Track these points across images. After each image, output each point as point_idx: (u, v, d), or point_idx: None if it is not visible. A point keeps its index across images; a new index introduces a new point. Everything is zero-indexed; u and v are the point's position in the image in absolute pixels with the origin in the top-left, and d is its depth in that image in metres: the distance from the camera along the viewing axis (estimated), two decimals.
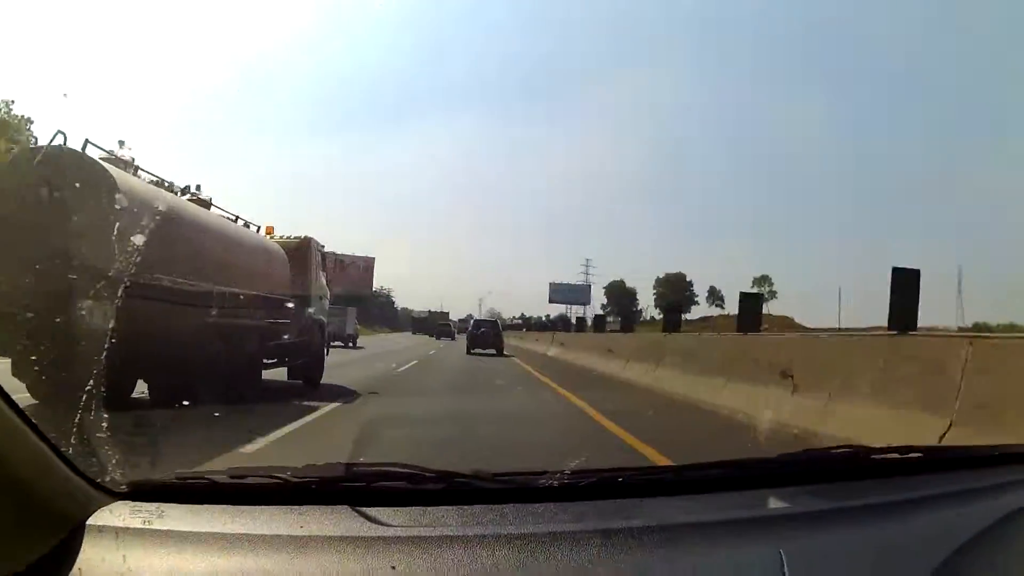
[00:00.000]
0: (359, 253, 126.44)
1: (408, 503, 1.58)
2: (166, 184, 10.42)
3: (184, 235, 8.98)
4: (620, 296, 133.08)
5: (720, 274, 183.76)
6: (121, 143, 9.74)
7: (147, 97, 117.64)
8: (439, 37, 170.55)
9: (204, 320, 8.80)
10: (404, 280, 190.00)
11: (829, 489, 1.85)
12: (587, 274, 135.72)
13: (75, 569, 1.30)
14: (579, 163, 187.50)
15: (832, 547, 1.53)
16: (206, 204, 11.10)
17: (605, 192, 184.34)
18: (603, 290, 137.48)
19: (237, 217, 12.17)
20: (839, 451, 2.06)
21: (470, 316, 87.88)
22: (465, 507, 1.58)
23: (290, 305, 12.23)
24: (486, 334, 32.88)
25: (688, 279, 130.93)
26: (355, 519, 1.49)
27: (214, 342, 9.22)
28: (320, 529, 1.44)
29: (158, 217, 7.79)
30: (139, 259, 4.42)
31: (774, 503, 1.74)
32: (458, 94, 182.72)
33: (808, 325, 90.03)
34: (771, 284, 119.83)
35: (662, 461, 6.50)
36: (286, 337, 11.96)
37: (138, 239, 5.23)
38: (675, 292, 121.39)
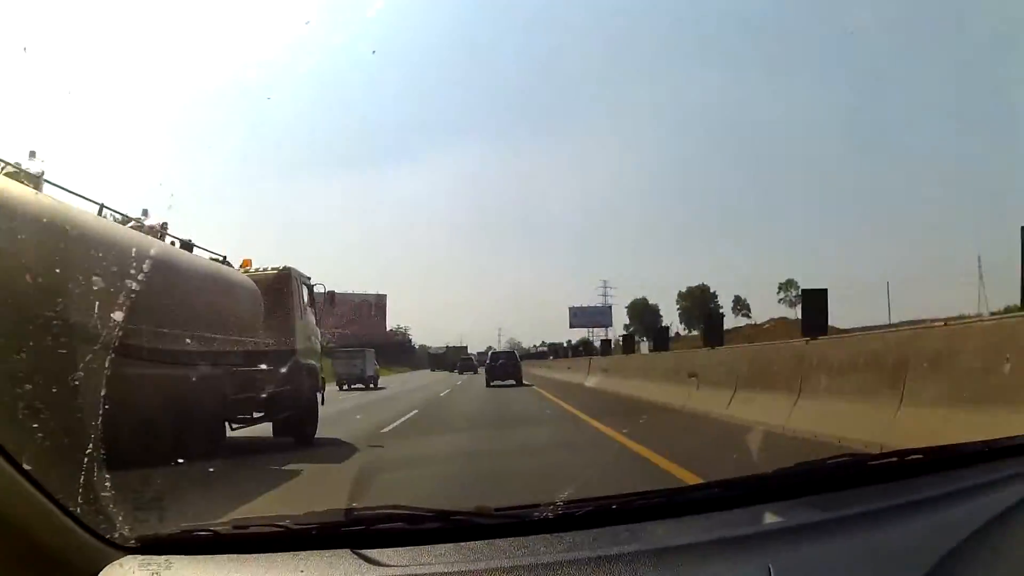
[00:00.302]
0: (372, 291, 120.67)
1: (408, 543, 1.61)
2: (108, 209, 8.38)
3: (84, 255, 6.09)
4: (644, 314, 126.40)
5: (738, 283, 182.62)
6: (32, 153, 7.41)
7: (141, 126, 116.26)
8: (441, 70, 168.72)
9: (131, 371, 6.46)
10: (421, 318, 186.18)
11: (825, 500, 1.85)
12: (605, 296, 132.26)
13: None
14: (589, 183, 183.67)
15: (823, 557, 1.54)
16: (156, 232, 9.07)
17: (617, 209, 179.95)
18: (625, 309, 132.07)
19: (191, 245, 10.27)
20: (835, 460, 2.06)
21: (490, 348, 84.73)
22: (463, 544, 1.61)
23: (265, 349, 10.47)
24: (504, 365, 33.14)
25: (712, 290, 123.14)
26: (355, 562, 1.52)
27: (147, 398, 6.94)
28: (321, 573, 1.48)
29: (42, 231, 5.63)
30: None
31: (768, 518, 1.75)
32: (464, 123, 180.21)
33: (844, 325, 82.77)
34: (796, 288, 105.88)
35: None
36: (264, 387, 10.04)
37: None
38: (699, 305, 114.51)
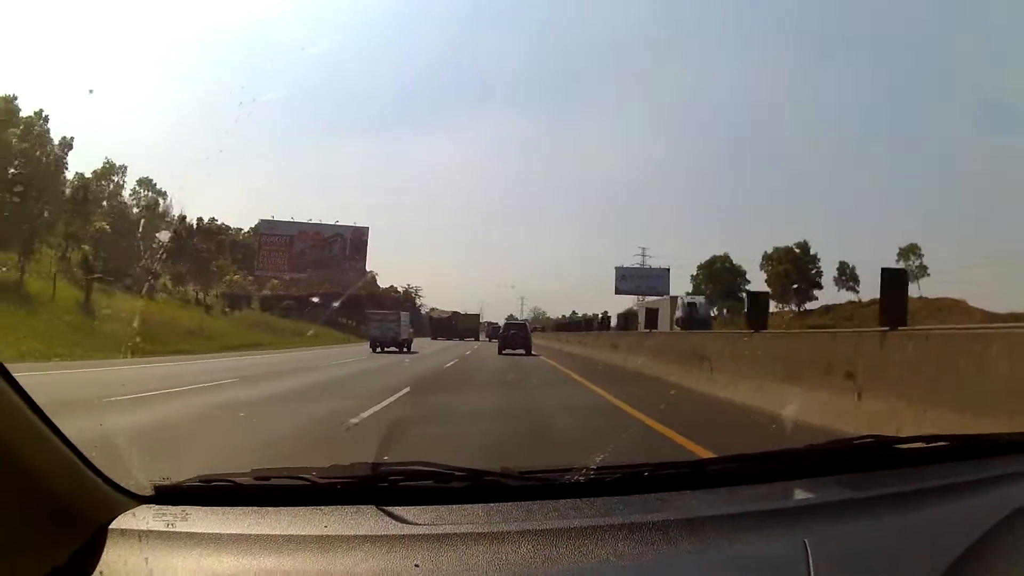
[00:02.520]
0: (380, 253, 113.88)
1: (435, 502, 1.58)
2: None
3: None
4: (721, 277, 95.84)
5: (847, 246, 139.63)
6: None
7: (156, 96, 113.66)
8: (467, 33, 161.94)
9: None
10: (441, 284, 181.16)
11: (854, 479, 1.83)
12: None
13: (96, 572, 1.31)
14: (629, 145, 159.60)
15: (856, 537, 1.52)
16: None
17: (661, 169, 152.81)
18: (696, 272, 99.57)
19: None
20: (863, 441, 2.04)
21: (512, 316, 79.32)
22: (491, 504, 1.58)
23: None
24: (516, 336, 36.70)
25: (811, 251, 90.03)
26: (380, 518, 1.49)
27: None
28: (345, 529, 1.45)
29: None
30: None
31: (799, 494, 1.73)
32: (498, 88, 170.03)
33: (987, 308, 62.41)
34: (920, 255, 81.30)
35: None
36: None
37: None
38: (798, 269, 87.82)
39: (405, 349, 37.45)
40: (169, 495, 1.59)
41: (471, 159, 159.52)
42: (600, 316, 38.15)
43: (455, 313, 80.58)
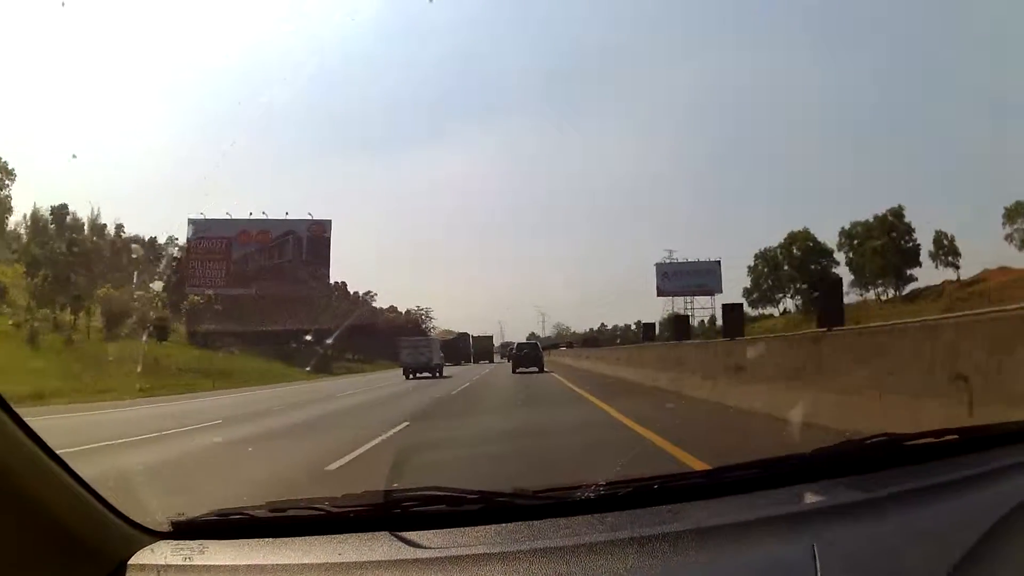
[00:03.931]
0: (379, 283, 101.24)
1: (447, 525, 1.60)
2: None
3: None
4: (807, 261, 77.14)
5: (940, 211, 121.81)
6: None
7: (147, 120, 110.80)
8: (470, 39, 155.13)
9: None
10: (458, 307, 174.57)
11: (864, 480, 1.83)
12: (657, 277, 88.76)
13: None
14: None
15: (866, 537, 1.52)
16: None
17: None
18: (755, 261, 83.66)
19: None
20: (872, 440, 2.04)
21: (533, 334, 79.22)
22: (503, 525, 1.60)
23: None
24: (528, 355, 38.14)
25: (905, 219, 71.67)
26: (394, 544, 1.51)
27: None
28: (359, 556, 1.47)
29: None
30: None
31: (809, 498, 1.73)
32: (507, 100, 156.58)
33: None
34: None
35: None
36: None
37: None
38: (893, 244, 69.30)
39: (438, 375, 37.57)
40: (187, 530, 1.63)
41: (481, 172, 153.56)
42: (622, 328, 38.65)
43: (463, 335, 72.08)
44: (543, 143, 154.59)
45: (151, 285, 54.60)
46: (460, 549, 1.49)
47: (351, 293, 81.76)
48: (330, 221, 73.40)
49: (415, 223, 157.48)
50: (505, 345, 72.31)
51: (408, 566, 1.43)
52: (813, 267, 76.49)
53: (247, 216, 70.19)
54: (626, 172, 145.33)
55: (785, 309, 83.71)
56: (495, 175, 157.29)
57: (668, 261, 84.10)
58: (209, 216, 69.12)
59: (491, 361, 68.08)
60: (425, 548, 1.49)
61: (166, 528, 1.63)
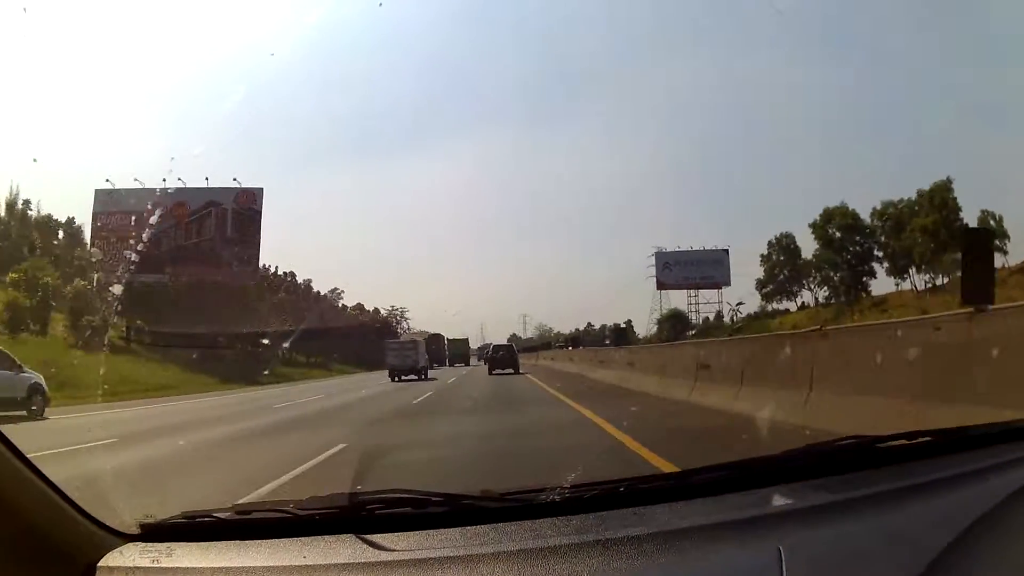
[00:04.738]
0: (390, 304, 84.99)
1: (413, 528, 1.60)
2: None
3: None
4: (846, 238, 66.96)
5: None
6: None
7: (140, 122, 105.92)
8: (451, 43, 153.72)
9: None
10: (437, 310, 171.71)
11: (834, 482, 1.84)
12: (656, 268, 78.61)
13: None
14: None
15: (833, 540, 1.53)
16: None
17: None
18: (768, 250, 73.67)
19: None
20: (843, 443, 2.05)
21: (514, 335, 77.50)
22: (468, 528, 1.60)
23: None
24: (504, 357, 39.12)
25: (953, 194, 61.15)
26: (359, 547, 1.52)
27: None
28: (324, 559, 1.48)
29: None
30: None
31: (776, 500, 1.73)
32: (495, 106, 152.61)
33: None
34: None
35: None
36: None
37: None
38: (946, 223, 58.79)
39: (423, 376, 37.29)
40: (154, 532, 1.63)
41: (463, 173, 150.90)
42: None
43: (434, 336, 64.29)
44: (525, 143, 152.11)
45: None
46: (425, 552, 1.50)
47: (302, 286, 72.52)
48: (261, 190, 59.68)
49: (397, 224, 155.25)
50: (484, 347, 67.83)
51: (373, 569, 1.43)
52: (852, 248, 67.73)
53: (162, 185, 52.54)
54: (614, 170, 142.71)
55: (803, 303, 76.40)
56: (477, 175, 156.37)
57: (669, 250, 74.41)
58: (119, 186, 55.66)
59: (467, 364, 65.41)
60: (390, 550, 1.49)
61: (134, 530, 1.63)
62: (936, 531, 1.47)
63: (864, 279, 69.29)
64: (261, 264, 62.46)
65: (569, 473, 2.07)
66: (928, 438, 2.07)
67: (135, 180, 55.73)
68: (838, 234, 69.06)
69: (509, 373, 34.95)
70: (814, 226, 69.71)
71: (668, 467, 6.08)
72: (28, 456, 1.44)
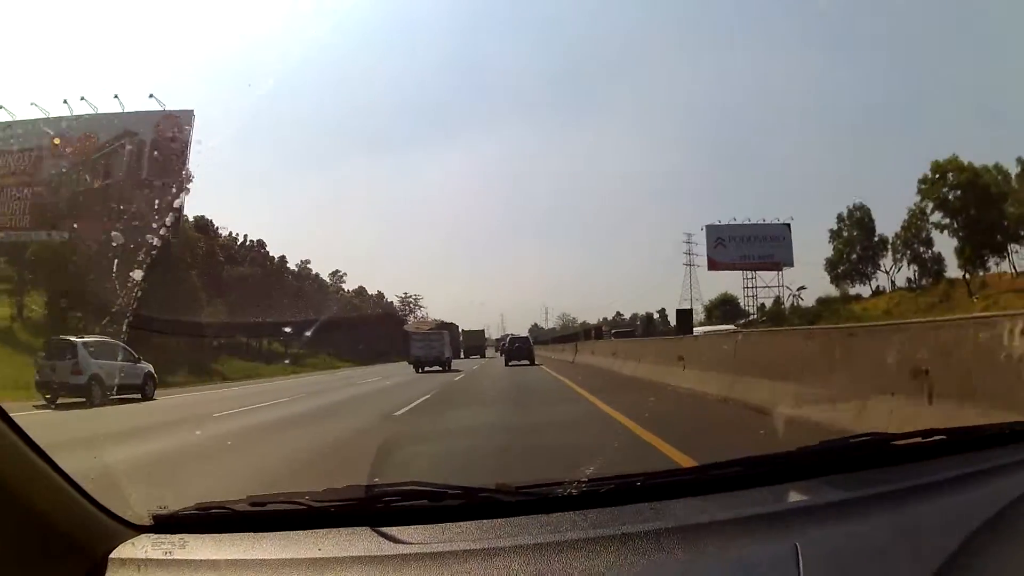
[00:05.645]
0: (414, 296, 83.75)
1: (429, 520, 1.60)
2: None
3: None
4: (981, 197, 51.86)
5: None
6: None
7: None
8: (470, 40, 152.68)
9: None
10: (456, 297, 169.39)
11: (849, 479, 1.83)
12: (690, 255, 72.44)
13: None
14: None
15: (848, 537, 1.52)
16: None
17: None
18: (838, 224, 64.74)
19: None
20: (858, 439, 2.04)
21: (535, 325, 76.95)
22: (485, 521, 1.59)
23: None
24: (520, 348, 40.28)
25: None
26: (374, 539, 1.51)
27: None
28: (339, 551, 1.47)
29: None
30: None
31: (793, 497, 1.73)
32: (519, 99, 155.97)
33: None
34: None
35: None
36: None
37: None
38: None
39: (448, 368, 36.78)
40: (168, 524, 1.63)
41: (488, 166, 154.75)
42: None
43: (447, 325, 56.33)
44: (552, 134, 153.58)
45: None
46: (441, 545, 1.49)
47: (274, 258, 64.85)
48: (191, 113, 44.70)
49: (417, 215, 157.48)
50: (503, 338, 62.82)
51: (388, 562, 1.42)
52: (971, 214, 52.82)
53: (67, 113, 43.49)
54: (643, 155, 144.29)
55: (878, 287, 65.36)
56: (504, 166, 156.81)
57: (725, 223, 63.72)
58: (18, 117, 44.02)
59: (482, 356, 63.42)
60: (406, 543, 1.49)
61: (147, 522, 1.63)
62: (951, 529, 1.46)
63: (984, 254, 54.74)
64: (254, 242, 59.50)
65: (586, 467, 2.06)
66: (943, 436, 2.06)
67: (32, 104, 48.60)
68: (957, 193, 54.19)
69: (525, 364, 36.26)
70: (924, 182, 55.98)
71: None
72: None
